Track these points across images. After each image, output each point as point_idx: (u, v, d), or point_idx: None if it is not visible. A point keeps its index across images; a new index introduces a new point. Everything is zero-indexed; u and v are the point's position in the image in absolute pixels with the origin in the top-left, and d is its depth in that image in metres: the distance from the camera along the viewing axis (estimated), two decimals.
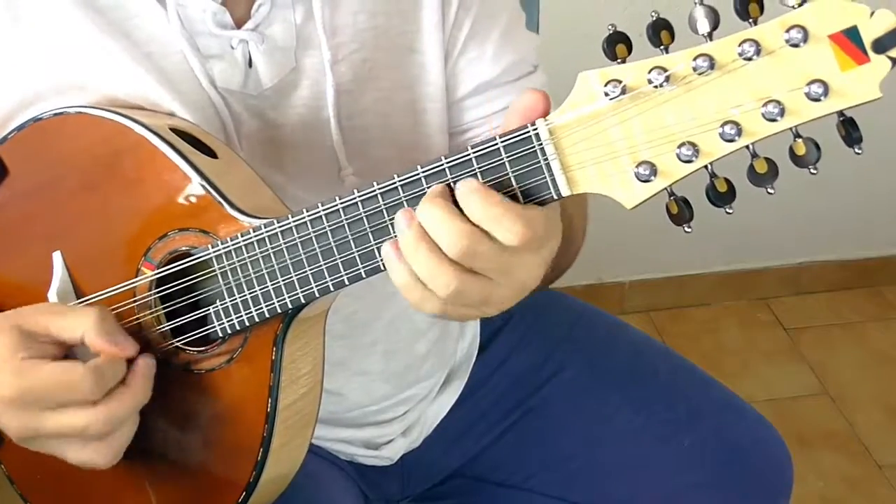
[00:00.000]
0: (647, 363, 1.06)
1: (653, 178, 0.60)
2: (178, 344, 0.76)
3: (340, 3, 0.82)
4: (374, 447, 1.01)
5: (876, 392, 2.01)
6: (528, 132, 0.62)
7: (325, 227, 0.68)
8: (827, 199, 2.07)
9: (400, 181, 0.65)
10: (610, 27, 0.60)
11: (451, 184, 0.64)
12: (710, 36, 0.57)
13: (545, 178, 0.62)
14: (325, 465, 0.98)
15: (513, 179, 0.63)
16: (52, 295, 0.77)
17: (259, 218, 0.72)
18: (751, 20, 0.57)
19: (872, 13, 0.54)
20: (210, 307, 0.74)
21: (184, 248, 0.74)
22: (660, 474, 1.00)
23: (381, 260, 0.67)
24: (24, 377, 0.69)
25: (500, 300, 0.66)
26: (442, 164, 0.64)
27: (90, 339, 0.71)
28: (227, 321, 0.74)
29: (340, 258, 0.69)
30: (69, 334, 0.71)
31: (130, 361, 0.73)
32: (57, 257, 0.78)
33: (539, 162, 0.62)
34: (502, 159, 0.63)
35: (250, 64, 0.81)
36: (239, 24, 0.80)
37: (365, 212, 0.67)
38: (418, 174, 0.65)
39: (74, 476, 0.77)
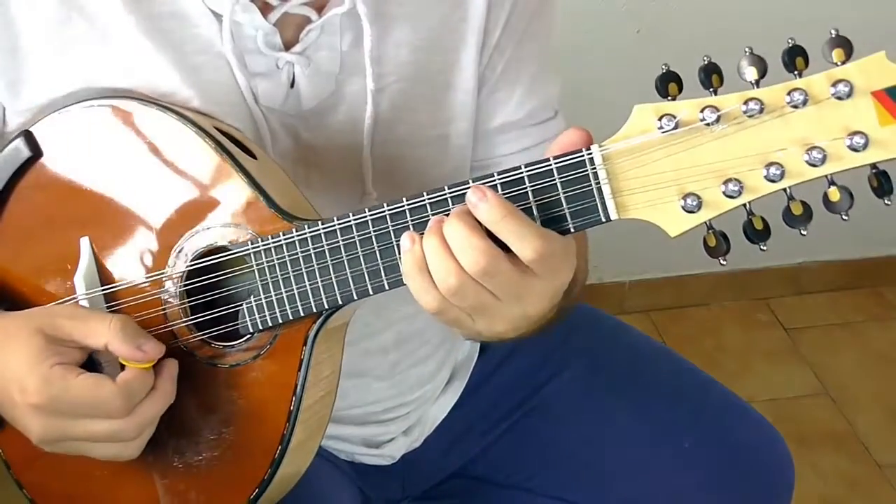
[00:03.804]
0: (647, 364, 1.07)
1: (698, 209, 0.63)
2: (204, 337, 0.77)
3: (387, 35, 0.83)
4: (375, 445, 1.02)
5: (876, 392, 2.01)
6: (583, 156, 0.64)
7: (369, 232, 0.70)
8: None
9: (451, 193, 0.67)
10: (663, 66, 0.63)
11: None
12: (757, 83, 0.61)
13: (595, 201, 0.65)
14: (323, 464, 0.98)
15: (563, 200, 0.65)
16: (78, 280, 0.77)
17: (299, 219, 0.73)
18: (796, 72, 0.61)
19: None
20: (241, 303, 0.75)
21: (219, 243, 0.75)
22: (660, 475, 1.00)
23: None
24: (54, 385, 0.70)
25: (496, 317, 0.67)
26: (494, 180, 0.66)
27: (114, 347, 0.71)
28: (260, 317, 0.74)
29: (383, 263, 0.70)
30: (93, 341, 0.72)
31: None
32: (84, 242, 0.78)
33: (591, 185, 0.65)
34: (554, 180, 0.65)
35: (292, 84, 0.82)
36: (287, 46, 0.81)
37: (412, 220, 0.68)
38: (468, 188, 0.66)
39: (75, 463, 0.77)
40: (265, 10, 0.79)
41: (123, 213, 0.77)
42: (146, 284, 0.77)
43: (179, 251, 0.76)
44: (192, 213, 0.76)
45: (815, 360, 2.09)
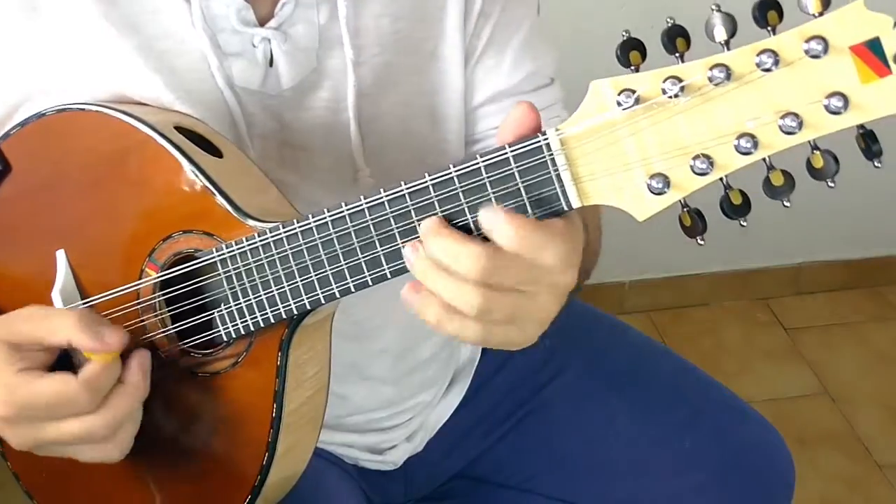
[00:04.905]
0: (647, 365, 1.06)
1: (666, 190, 0.58)
2: (182, 347, 0.76)
3: (364, 5, 0.82)
4: (378, 452, 1.01)
5: (876, 392, 2.01)
6: (539, 142, 0.61)
7: (330, 234, 0.67)
8: (827, 199, 2.06)
9: (407, 189, 0.64)
10: (624, 33, 0.59)
11: (461, 193, 0.63)
12: (727, 44, 0.56)
13: (555, 189, 0.61)
14: (328, 467, 0.98)
15: (522, 190, 0.62)
16: (56, 294, 0.76)
17: (264, 221, 0.71)
18: (769, 28, 0.55)
19: (895, 24, 0.53)
20: (215, 311, 0.74)
21: (188, 251, 0.73)
22: (660, 476, 1.00)
23: (388, 268, 0.66)
24: (18, 393, 0.69)
25: (538, 311, 0.64)
26: (450, 173, 0.63)
27: (75, 340, 0.69)
28: (232, 325, 0.73)
29: (346, 264, 0.68)
30: (54, 338, 0.70)
31: (124, 357, 0.71)
32: (61, 256, 0.77)
33: (549, 173, 0.61)
34: (511, 169, 0.62)
35: (271, 63, 0.80)
36: (262, 23, 0.79)
37: (371, 219, 0.66)
38: (426, 182, 0.64)
39: (80, 474, 0.76)
40: None
41: (95, 225, 0.76)
42: (123, 296, 0.75)
43: (152, 260, 0.74)
44: (160, 221, 0.74)
45: (814, 360, 2.09)
